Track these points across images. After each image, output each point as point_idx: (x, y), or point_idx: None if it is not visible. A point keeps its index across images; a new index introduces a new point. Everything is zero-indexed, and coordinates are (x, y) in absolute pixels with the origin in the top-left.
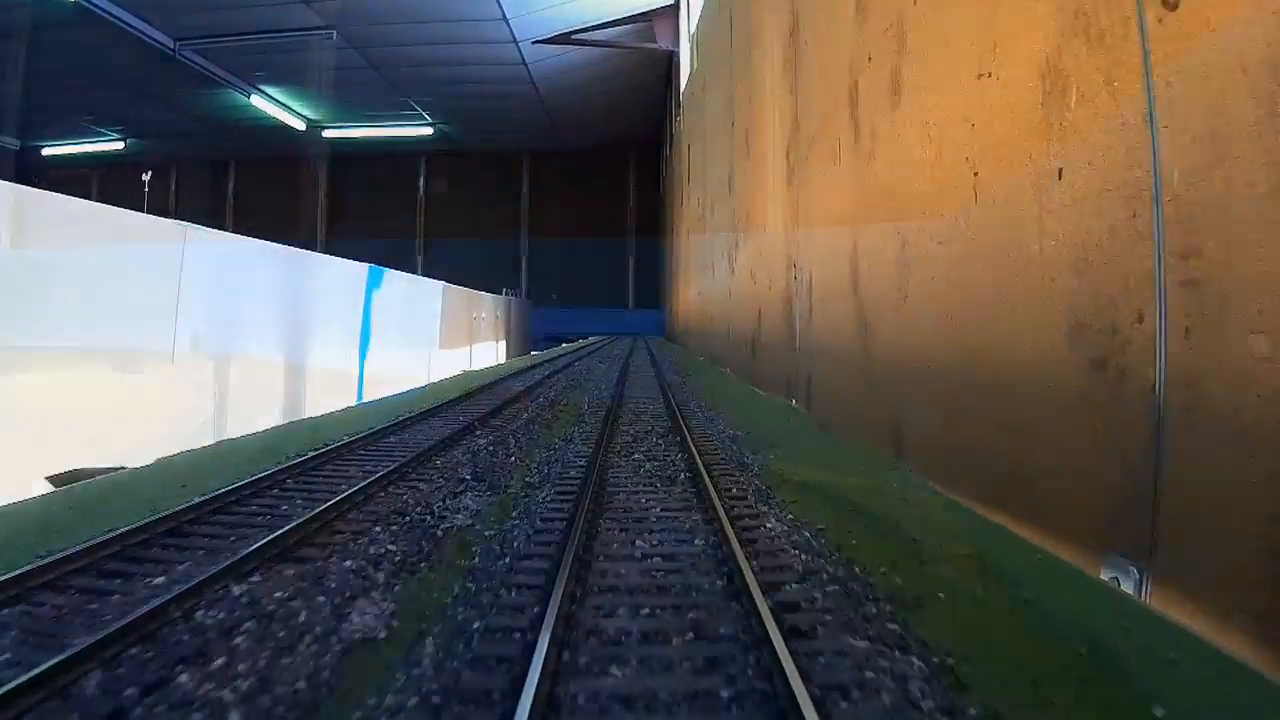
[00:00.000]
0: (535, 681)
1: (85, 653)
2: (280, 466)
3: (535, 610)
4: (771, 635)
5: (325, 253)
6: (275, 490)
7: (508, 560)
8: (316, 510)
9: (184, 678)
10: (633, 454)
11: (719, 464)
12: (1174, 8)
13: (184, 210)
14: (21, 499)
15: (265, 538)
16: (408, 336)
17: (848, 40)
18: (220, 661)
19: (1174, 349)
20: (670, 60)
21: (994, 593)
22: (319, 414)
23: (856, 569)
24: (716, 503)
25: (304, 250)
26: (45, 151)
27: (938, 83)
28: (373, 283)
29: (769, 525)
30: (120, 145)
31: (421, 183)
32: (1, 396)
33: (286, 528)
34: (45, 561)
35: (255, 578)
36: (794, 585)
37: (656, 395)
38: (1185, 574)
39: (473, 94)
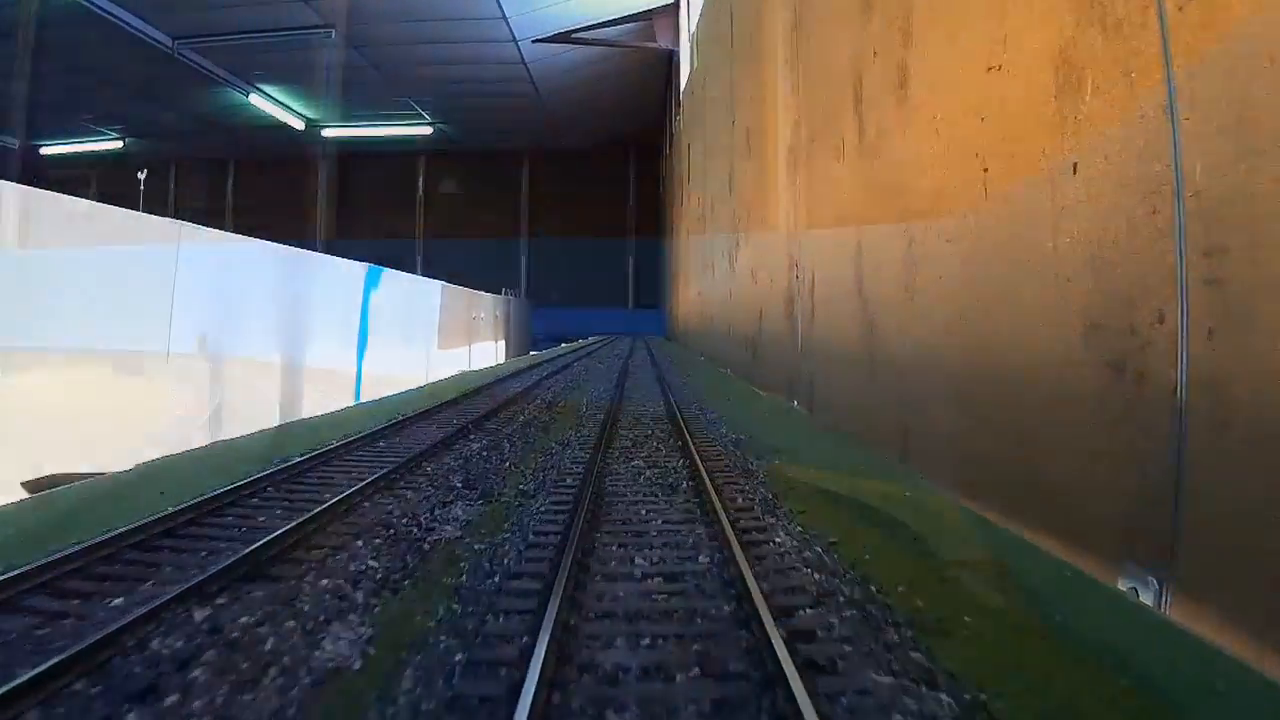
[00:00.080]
0: None
1: (22, 688)
2: (264, 473)
3: (524, 640)
4: (787, 672)
5: (324, 252)
6: (255, 499)
7: (497, 579)
8: (295, 522)
9: (131, 718)
10: (632, 460)
11: (722, 470)
12: None
13: (183, 210)
14: None
15: (238, 553)
16: (406, 336)
17: (852, 35)
18: (173, 699)
19: (1196, 350)
20: (670, 59)
21: (1019, 612)
22: (313, 416)
23: (873, 588)
24: (721, 514)
25: (302, 250)
26: (44, 150)
27: (946, 77)
28: (371, 282)
29: (778, 539)
30: (119, 144)
31: (421, 182)
32: (10, 398)
33: (261, 542)
34: (1, 579)
35: (221, 599)
36: (808, 610)
37: (656, 396)
38: (1208, 585)
39: (472, 93)
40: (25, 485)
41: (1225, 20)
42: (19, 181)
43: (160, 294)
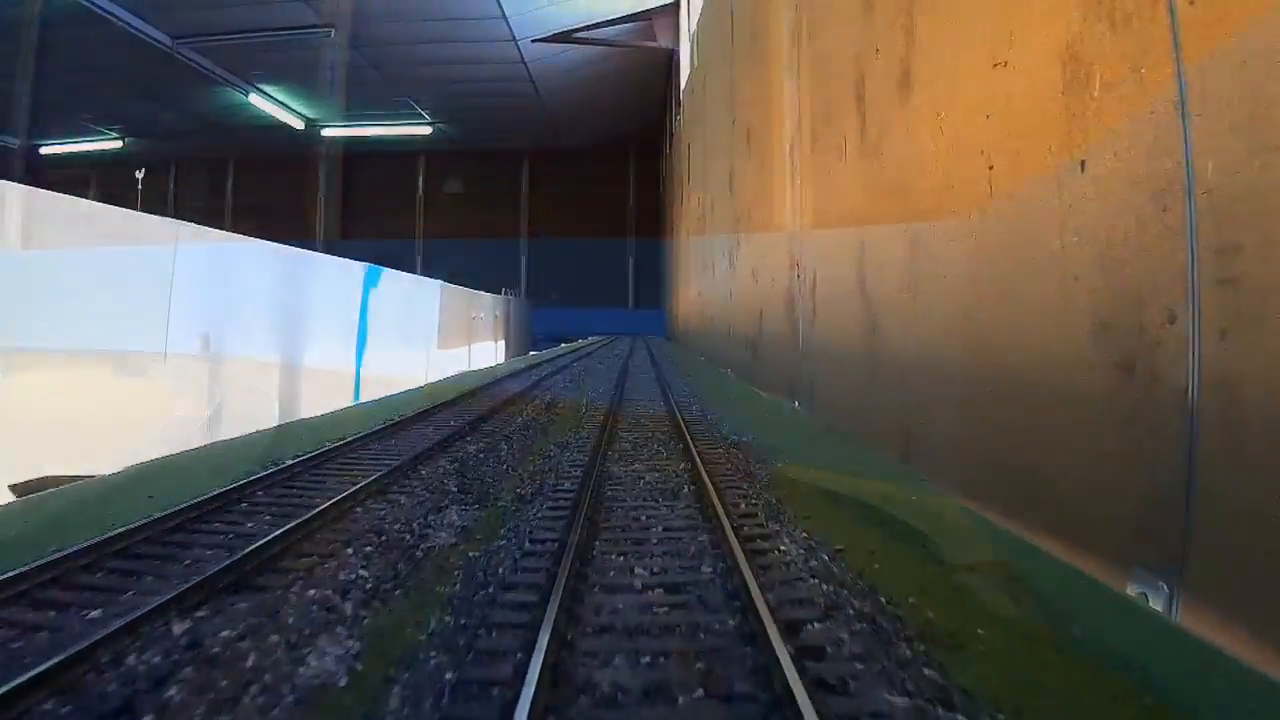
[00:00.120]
0: None
1: None
2: (254, 477)
3: (519, 656)
4: (796, 693)
5: (324, 252)
6: (244, 504)
7: (491, 590)
8: (284, 529)
9: None
10: (632, 463)
11: (724, 474)
12: None
13: (183, 210)
14: None
15: (222, 562)
16: (406, 336)
17: (854, 32)
18: None
19: (1209, 351)
20: (670, 59)
21: (1032, 623)
22: (309, 416)
23: (883, 599)
24: (724, 521)
25: (301, 249)
26: (43, 150)
27: (950, 74)
28: (370, 282)
29: (783, 547)
30: (119, 144)
31: (421, 182)
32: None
33: (247, 550)
34: None
35: (202, 612)
36: (816, 625)
37: (657, 397)
38: (1219, 591)
39: (472, 93)
40: (14, 488)
41: (1238, 14)
42: (20, 182)
43: (158, 294)
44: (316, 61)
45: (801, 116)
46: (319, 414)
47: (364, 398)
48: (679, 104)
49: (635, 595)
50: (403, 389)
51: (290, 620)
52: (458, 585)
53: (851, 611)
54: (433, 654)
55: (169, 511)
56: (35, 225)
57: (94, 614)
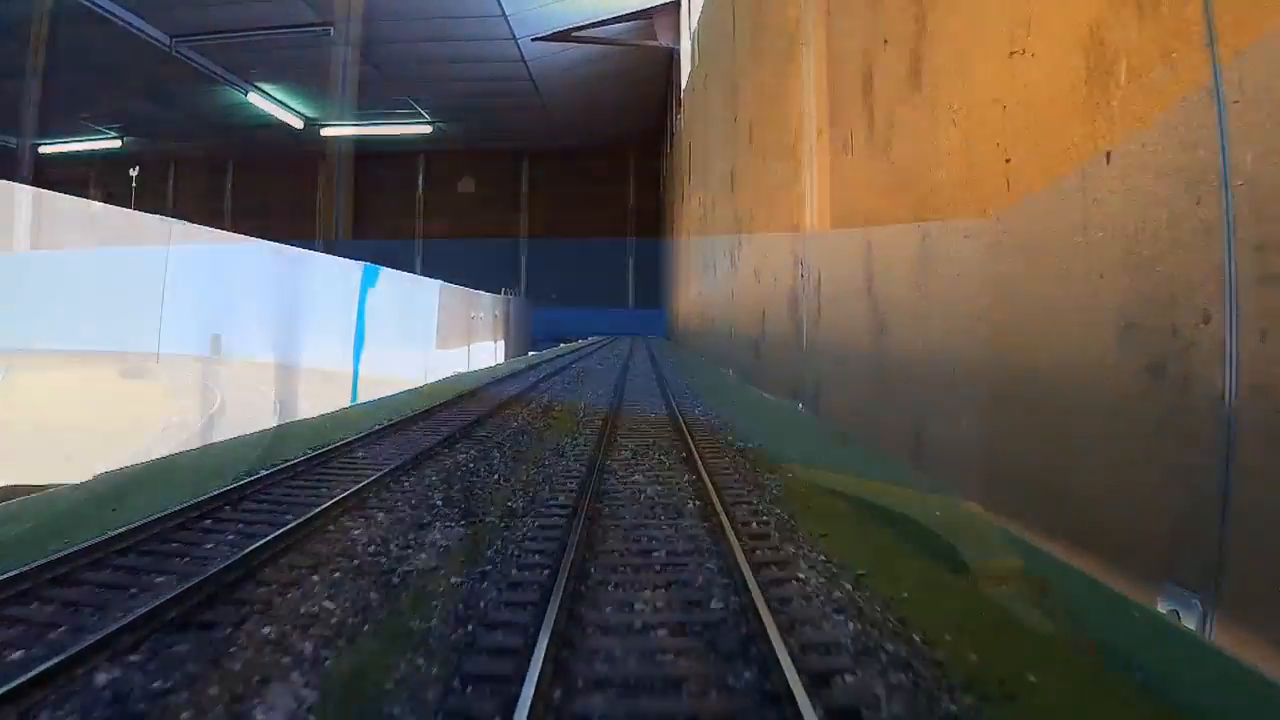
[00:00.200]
0: None
1: None
2: (223, 489)
3: None
4: None
5: (324, 251)
6: (208, 520)
7: (470, 628)
8: (245, 551)
9: None
10: (632, 474)
11: (732, 486)
12: None
13: (182, 209)
14: None
15: (169, 593)
16: (404, 336)
17: (861, 23)
18: None
19: (1247, 352)
20: (671, 57)
21: (1085, 660)
22: (304, 418)
23: (917, 638)
24: (734, 543)
25: (299, 248)
26: (42, 150)
27: (963, 64)
28: (368, 281)
29: (801, 574)
30: (118, 143)
31: (421, 181)
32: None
33: (199, 579)
34: None
35: (135, 656)
36: (847, 677)
37: (657, 400)
38: (1258, 608)
39: (471, 92)
40: None
41: None
42: (20, 182)
43: (151, 294)
44: (316, 60)
45: (805, 111)
46: (314, 416)
47: (362, 398)
48: (679, 103)
49: (635, 637)
50: (402, 389)
51: (237, 667)
52: (434, 619)
53: (885, 656)
54: (396, 709)
55: (126, 529)
56: (38, 227)
57: (14, 656)
